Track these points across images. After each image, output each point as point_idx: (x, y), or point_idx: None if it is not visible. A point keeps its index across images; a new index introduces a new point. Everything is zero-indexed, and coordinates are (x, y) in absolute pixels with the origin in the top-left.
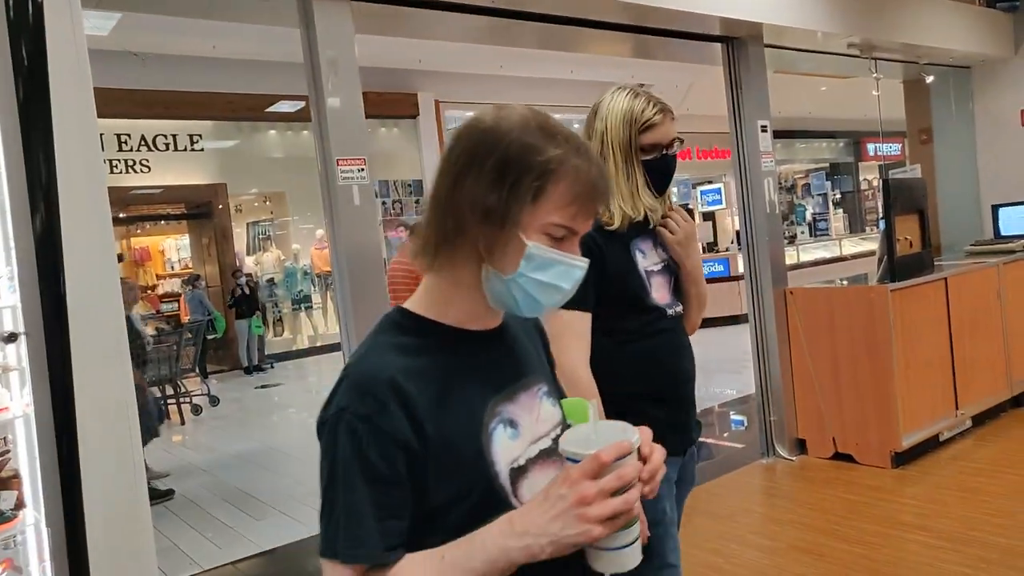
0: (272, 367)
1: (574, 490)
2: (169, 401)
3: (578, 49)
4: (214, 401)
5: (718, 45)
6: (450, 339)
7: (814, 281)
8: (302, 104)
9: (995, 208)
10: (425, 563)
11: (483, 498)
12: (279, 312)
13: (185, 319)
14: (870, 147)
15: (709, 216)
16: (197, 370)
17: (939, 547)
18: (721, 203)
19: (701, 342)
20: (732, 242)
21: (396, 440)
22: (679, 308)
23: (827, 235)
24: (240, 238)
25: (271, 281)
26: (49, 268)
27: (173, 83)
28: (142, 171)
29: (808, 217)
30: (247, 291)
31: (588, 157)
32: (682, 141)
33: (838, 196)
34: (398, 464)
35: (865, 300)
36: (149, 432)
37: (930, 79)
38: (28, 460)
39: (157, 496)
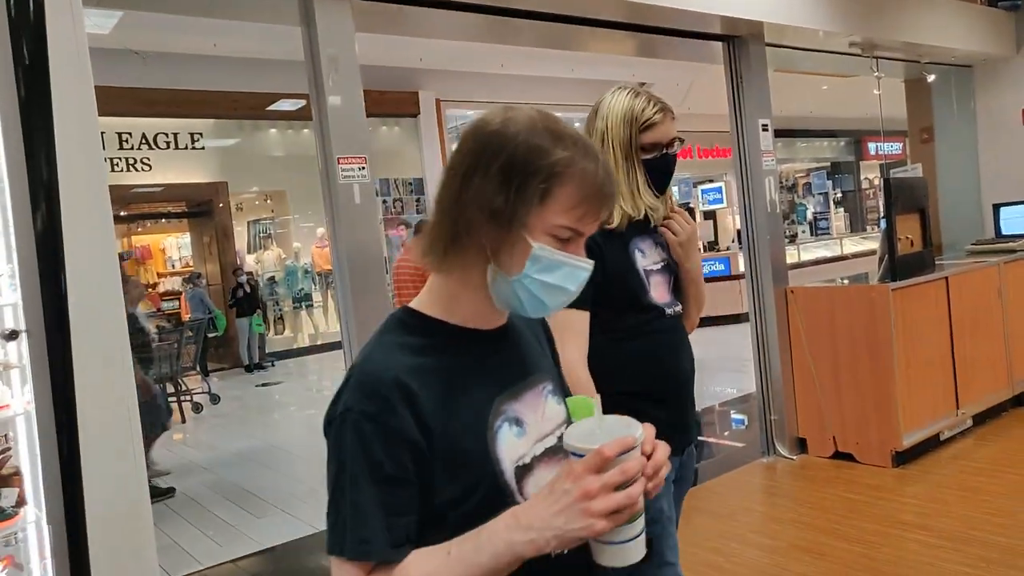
0: (273, 365)
1: (578, 485)
2: (170, 399)
3: (579, 48)
4: (215, 399)
5: (719, 44)
6: (456, 339)
7: (815, 280)
8: (303, 102)
9: (996, 207)
10: (432, 558)
11: (489, 496)
12: (280, 310)
13: (186, 317)
14: (871, 146)
15: (710, 215)
16: (198, 368)
17: (940, 546)
18: (722, 202)
19: (701, 341)
20: (733, 241)
21: (402, 439)
22: (678, 308)
23: (828, 234)
24: (241, 236)
25: (272, 279)
26: (50, 266)
27: (174, 81)
28: (143, 169)
29: (809, 216)
30: (248, 289)
31: (595, 159)
32: (682, 140)
33: (839, 195)
34: (405, 462)
35: (866, 299)
36: (159, 427)
37: (931, 78)
38: (29, 457)
39: (158, 494)
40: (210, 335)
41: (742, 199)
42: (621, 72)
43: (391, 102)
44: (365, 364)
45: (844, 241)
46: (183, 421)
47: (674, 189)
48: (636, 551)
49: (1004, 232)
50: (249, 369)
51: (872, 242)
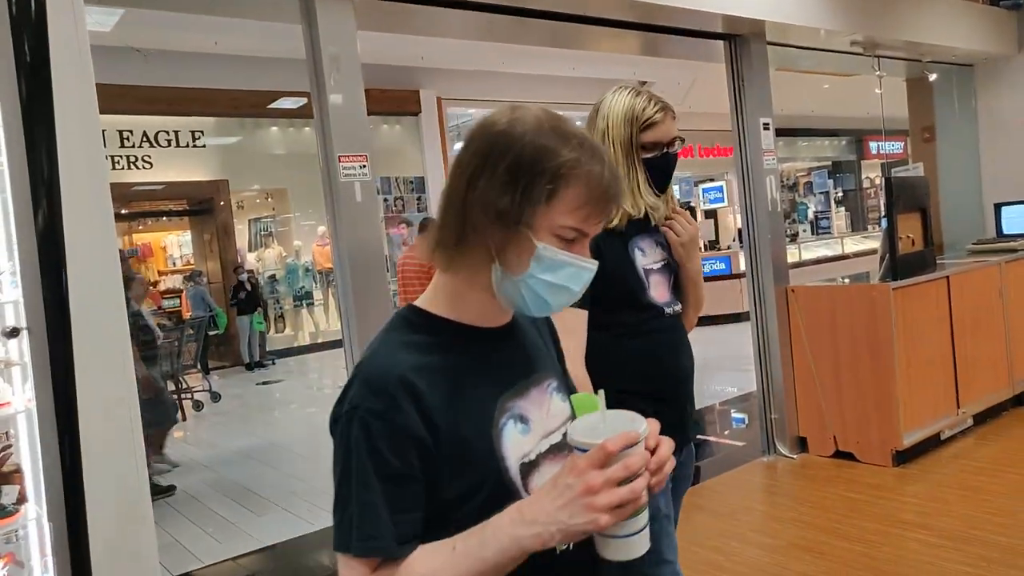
0: (273, 363)
1: (581, 479)
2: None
3: (581, 46)
4: (215, 397)
5: (720, 42)
6: (461, 337)
7: (816, 279)
8: (304, 101)
9: (998, 207)
10: (437, 554)
11: (494, 493)
12: (281, 308)
13: (187, 315)
14: (872, 145)
15: (711, 214)
16: (199, 366)
17: (940, 546)
18: (723, 201)
19: (702, 340)
20: (734, 240)
21: (409, 436)
22: (678, 307)
23: (829, 233)
24: (242, 234)
25: (273, 277)
26: (51, 264)
27: (175, 79)
28: (144, 167)
29: (810, 215)
30: (249, 287)
31: (601, 160)
32: (683, 140)
33: (840, 194)
34: (411, 460)
35: (867, 298)
36: (167, 422)
37: (933, 77)
38: (30, 455)
39: (159, 492)
40: (211, 333)
41: (743, 198)
42: (622, 71)
43: (392, 100)
44: (371, 362)
45: (845, 240)
46: (184, 419)
47: (675, 188)
48: (640, 545)
49: (1005, 231)
50: (250, 367)
51: (873, 241)
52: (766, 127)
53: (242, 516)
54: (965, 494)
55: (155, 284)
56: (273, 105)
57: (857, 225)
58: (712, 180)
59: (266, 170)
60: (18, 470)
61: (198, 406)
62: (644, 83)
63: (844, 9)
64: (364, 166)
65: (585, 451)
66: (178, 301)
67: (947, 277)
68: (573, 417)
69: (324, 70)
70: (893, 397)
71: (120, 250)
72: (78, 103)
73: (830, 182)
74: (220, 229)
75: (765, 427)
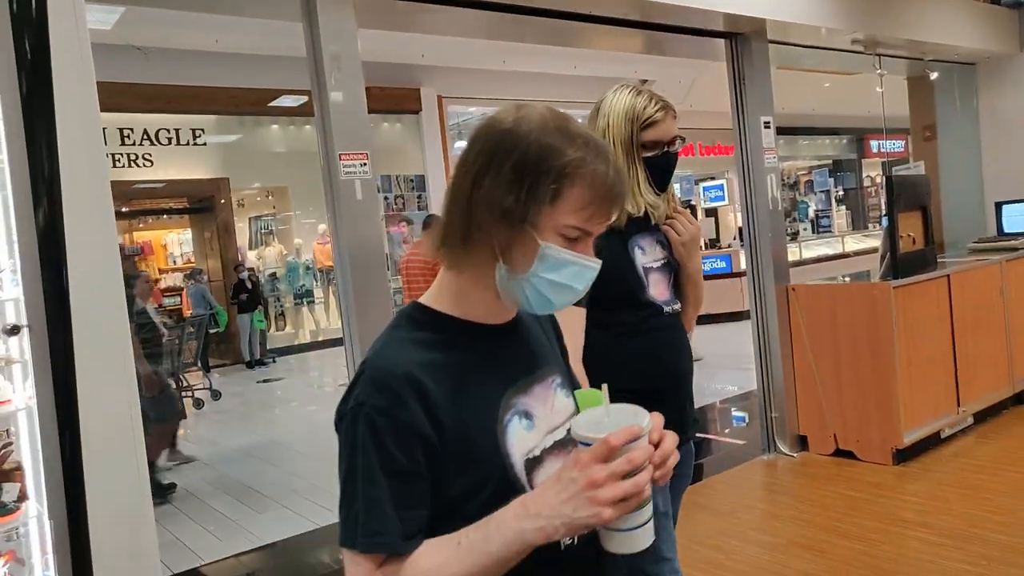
0: (274, 361)
1: (585, 473)
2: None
3: (582, 45)
4: (216, 395)
5: (721, 41)
6: (465, 334)
7: (816, 278)
8: (305, 99)
9: (999, 205)
10: (442, 549)
11: (499, 489)
12: (281, 306)
13: (187, 313)
14: (873, 144)
15: (711, 212)
16: (199, 364)
17: (940, 544)
18: (723, 199)
19: (702, 338)
20: (734, 238)
21: (414, 433)
22: (677, 306)
23: (830, 232)
24: (242, 232)
25: (273, 276)
26: (52, 261)
27: (176, 77)
28: (144, 165)
29: (811, 214)
30: (249, 285)
31: (606, 160)
32: (684, 139)
33: (841, 193)
34: (416, 456)
35: (867, 297)
36: (175, 416)
37: (934, 76)
38: (31, 452)
39: (162, 491)
40: (211, 331)
41: (744, 196)
42: (623, 69)
43: (393, 98)
44: (376, 359)
45: (846, 239)
46: (184, 417)
47: (675, 186)
48: (644, 538)
49: (1006, 230)
50: (250, 365)
51: (874, 240)
52: (767, 125)
53: (243, 514)
54: (965, 492)
55: (156, 282)
56: (274, 103)
57: (858, 224)
58: (713, 178)
59: (267, 168)
60: (19, 468)
61: (199, 404)
62: (645, 81)
63: (845, 7)
64: (365, 164)
65: (589, 445)
66: (179, 299)
67: (948, 276)
68: (577, 412)
69: (325, 68)
70: (893, 395)
71: (124, 247)
72: (79, 101)
73: (831, 180)
74: (221, 227)
75: (765, 425)
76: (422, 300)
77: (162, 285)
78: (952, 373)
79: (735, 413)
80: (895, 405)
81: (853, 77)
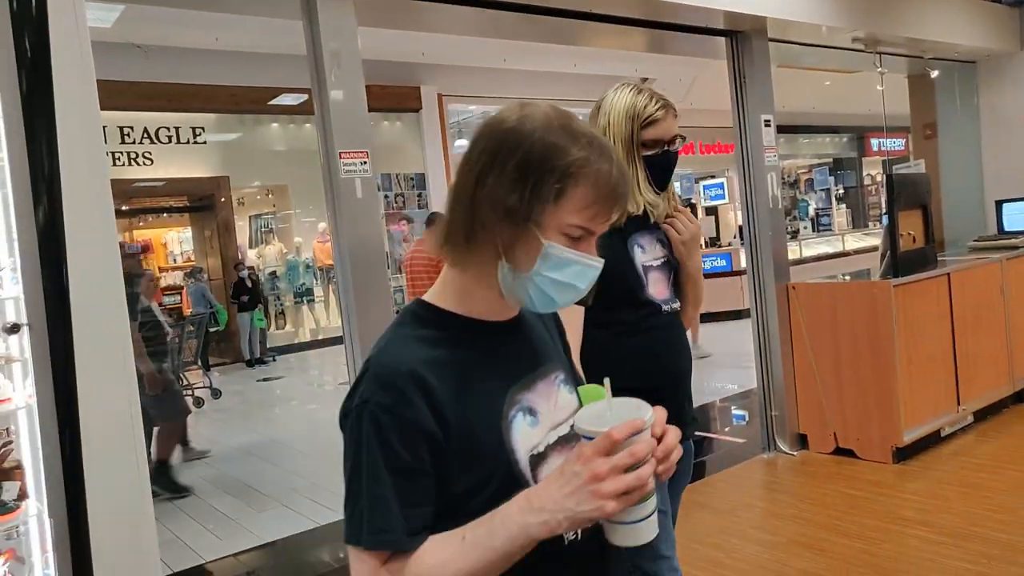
0: (274, 360)
1: (588, 467)
2: None
3: (582, 43)
4: (216, 394)
5: (722, 39)
6: (469, 331)
7: (816, 276)
8: (305, 97)
9: (999, 204)
10: (446, 544)
11: (503, 485)
12: (281, 305)
13: (187, 312)
14: (874, 142)
15: (712, 211)
16: (199, 363)
17: (940, 543)
18: (724, 198)
19: (705, 336)
20: (734, 237)
21: (419, 430)
22: (676, 304)
23: (830, 230)
24: (242, 231)
25: (273, 274)
26: (52, 260)
27: (176, 75)
28: (145, 164)
29: (811, 212)
30: (249, 284)
31: (610, 159)
32: (684, 138)
33: (841, 191)
34: (421, 453)
35: (868, 295)
36: (181, 413)
37: (935, 74)
38: (31, 451)
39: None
40: (211, 330)
41: (744, 195)
42: (624, 67)
43: (393, 97)
44: (381, 357)
45: (846, 237)
46: (189, 413)
47: (676, 185)
48: (648, 531)
49: (1007, 228)
50: (250, 364)
51: (874, 238)
52: (767, 124)
53: (242, 512)
54: (965, 491)
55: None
56: (274, 101)
57: (858, 222)
58: (713, 177)
59: (267, 166)
60: (19, 466)
61: (199, 403)
62: (645, 80)
63: (846, 6)
64: (365, 162)
65: (592, 439)
66: (179, 298)
67: (948, 274)
68: (581, 408)
69: (325, 66)
70: (894, 394)
71: (129, 245)
72: (79, 99)
73: (831, 179)
74: (221, 225)
75: (765, 424)
76: (426, 297)
77: (162, 284)
78: (952, 371)
79: (735, 411)
80: (895, 403)
81: (853, 75)
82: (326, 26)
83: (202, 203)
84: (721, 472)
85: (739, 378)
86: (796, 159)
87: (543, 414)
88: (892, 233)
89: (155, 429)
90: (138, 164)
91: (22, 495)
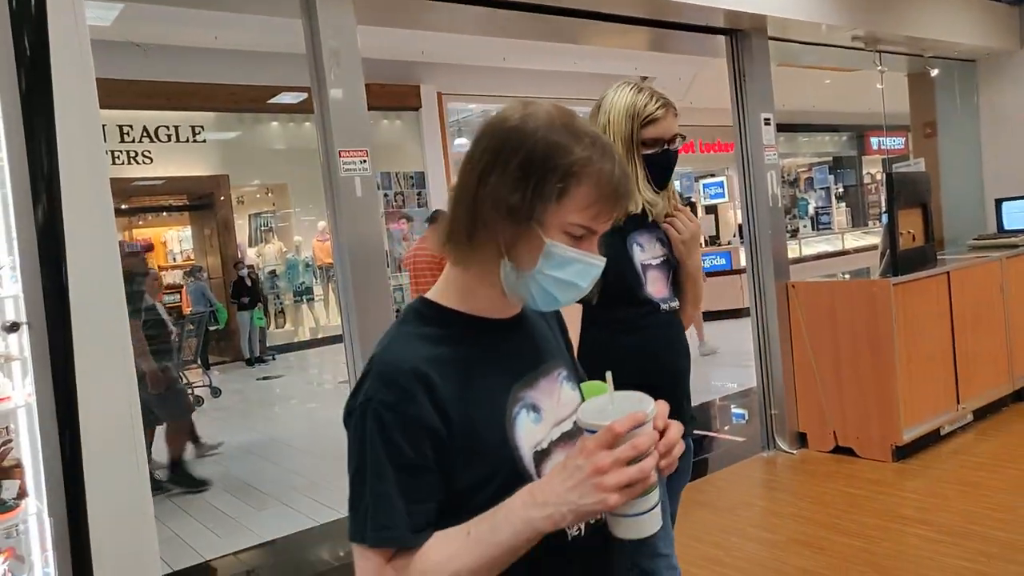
0: (274, 359)
1: (590, 461)
2: None
3: (582, 41)
4: (216, 392)
5: (722, 37)
6: (472, 329)
7: (816, 275)
8: (304, 95)
9: (999, 202)
10: (451, 540)
11: (507, 481)
12: (281, 304)
13: (187, 310)
14: (874, 141)
15: (711, 209)
16: (199, 361)
17: (939, 541)
18: (723, 196)
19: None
20: (734, 235)
21: (423, 427)
22: (675, 303)
23: (830, 229)
24: (242, 230)
25: (273, 273)
26: (51, 259)
27: (175, 74)
28: (144, 162)
29: (811, 211)
30: (249, 283)
31: (612, 158)
32: (684, 137)
33: (841, 190)
34: (425, 450)
35: (867, 294)
36: (187, 410)
37: (935, 72)
38: (30, 450)
39: (157, 488)
40: (211, 328)
41: (744, 193)
42: (623, 66)
43: (393, 95)
44: (384, 355)
45: (846, 236)
46: (194, 410)
47: (675, 183)
48: (651, 524)
49: (1006, 227)
50: (250, 363)
51: (874, 237)
52: (767, 122)
53: (242, 511)
54: (965, 489)
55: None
56: (273, 100)
57: (858, 221)
58: (713, 175)
59: (266, 165)
60: (18, 465)
61: (199, 401)
62: (645, 78)
63: (846, 4)
64: (364, 161)
65: (594, 432)
66: (178, 296)
67: (948, 273)
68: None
69: (324, 65)
70: (893, 393)
71: (133, 244)
72: (78, 98)
73: (831, 178)
74: (220, 224)
75: (765, 422)
76: (428, 295)
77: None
78: (952, 370)
79: (735, 410)
80: (895, 402)
81: (853, 74)
82: (325, 24)
83: (201, 202)
84: (721, 470)
85: (739, 377)
86: (796, 158)
87: (546, 411)
88: (892, 232)
89: (163, 428)
90: (137, 163)
91: (22, 494)
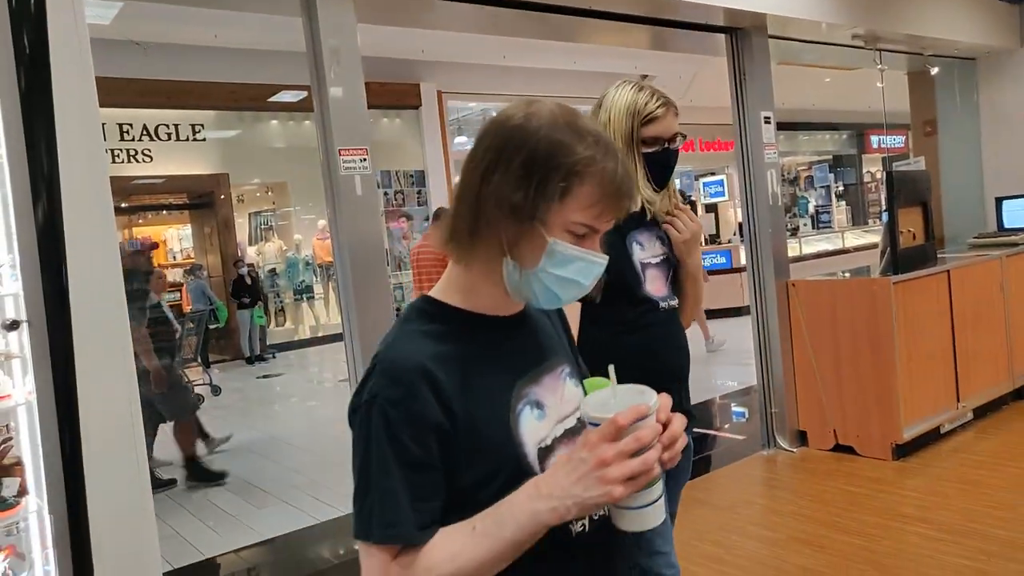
0: (274, 357)
1: (594, 453)
2: None
3: (582, 40)
4: (216, 391)
5: (722, 36)
6: (475, 326)
7: (816, 273)
8: (304, 94)
9: (999, 201)
10: (457, 535)
11: (512, 478)
12: (281, 302)
13: (187, 309)
14: (874, 139)
15: (711, 208)
16: (199, 360)
17: (939, 539)
18: (724, 195)
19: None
20: (734, 234)
21: (428, 424)
22: (674, 302)
23: (830, 227)
24: (242, 228)
25: (273, 271)
26: (51, 257)
27: (175, 72)
28: (144, 161)
29: (811, 209)
30: (249, 281)
31: (615, 157)
32: (685, 136)
33: (841, 188)
34: (430, 447)
35: (867, 292)
36: (191, 407)
37: (935, 71)
38: (31, 447)
39: (159, 485)
40: (211, 327)
41: (744, 192)
42: (623, 64)
43: (393, 94)
44: (388, 352)
45: (846, 234)
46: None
47: (676, 182)
48: (654, 516)
49: (1007, 225)
50: (250, 361)
51: (874, 235)
52: (767, 121)
53: (242, 509)
54: (965, 488)
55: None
56: (273, 98)
57: (858, 219)
58: (713, 174)
59: (266, 164)
60: (19, 463)
61: (199, 399)
62: (645, 77)
63: (846, 2)
64: (364, 159)
65: (597, 425)
66: (178, 295)
67: (948, 271)
68: None
69: (324, 63)
70: (893, 391)
71: (140, 242)
72: (78, 96)
73: (831, 176)
74: (220, 223)
75: (765, 421)
76: (431, 293)
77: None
78: (952, 368)
79: (735, 408)
80: (895, 400)
81: (853, 72)
82: (325, 23)
83: (202, 200)
84: (721, 469)
85: (739, 375)
86: (796, 156)
87: (550, 407)
88: (892, 230)
89: (171, 428)
90: (137, 161)
91: (22, 491)
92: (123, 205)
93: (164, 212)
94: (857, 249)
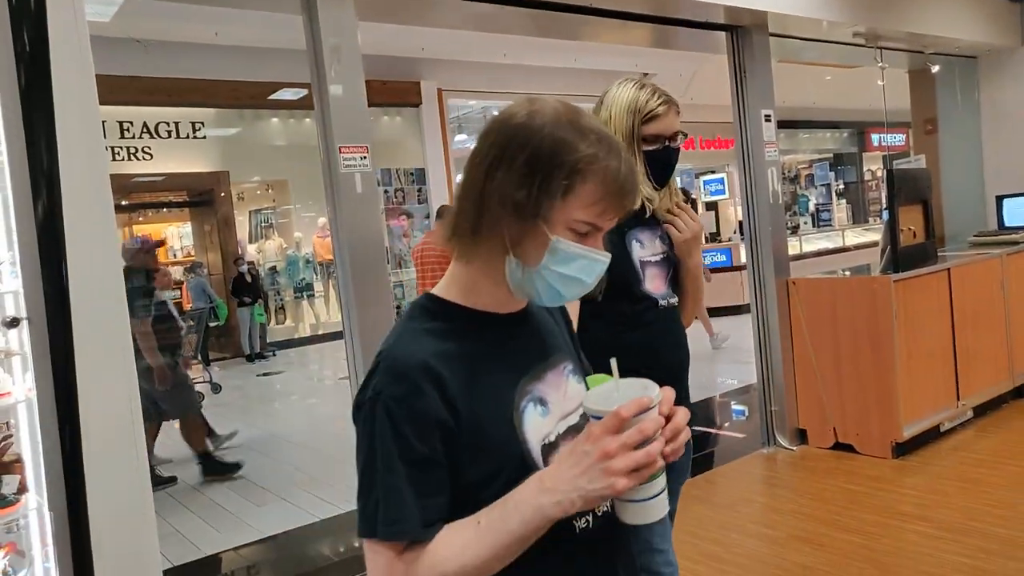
0: (274, 355)
1: (597, 446)
2: None
3: (582, 37)
4: (216, 388)
5: (722, 34)
6: (478, 323)
7: (817, 272)
8: (305, 92)
9: (999, 199)
10: (461, 531)
11: (516, 474)
12: (281, 300)
13: (187, 307)
14: (874, 137)
15: (712, 206)
16: (199, 357)
17: (939, 537)
18: (724, 193)
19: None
20: (735, 232)
21: (431, 420)
22: (674, 300)
23: (830, 226)
24: (242, 226)
25: (273, 269)
26: (51, 254)
27: (175, 70)
28: (144, 158)
29: (811, 207)
30: (249, 279)
31: (619, 155)
32: (685, 134)
33: (841, 186)
34: (434, 444)
35: (868, 291)
36: (194, 405)
37: (936, 69)
38: (31, 445)
39: (160, 482)
40: (211, 324)
41: (744, 190)
42: (624, 62)
43: (393, 92)
44: (392, 350)
45: (846, 232)
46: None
47: (676, 179)
48: (658, 509)
49: (1007, 224)
50: (250, 359)
51: (874, 234)
52: (768, 119)
53: (242, 506)
54: (964, 486)
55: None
56: (273, 96)
57: (858, 217)
58: (713, 172)
59: (266, 161)
60: (19, 460)
61: (199, 397)
62: (646, 74)
63: (847, 1)
64: (365, 157)
65: (600, 418)
66: (179, 292)
67: (948, 269)
68: None
69: (325, 61)
70: (893, 389)
71: (146, 240)
72: (78, 94)
73: (831, 174)
74: (220, 220)
75: (765, 419)
76: (434, 291)
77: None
78: (952, 367)
79: (735, 406)
80: (895, 399)
81: (854, 70)
82: (326, 21)
83: (202, 198)
84: (720, 467)
85: (739, 373)
86: (796, 154)
87: (553, 404)
88: (892, 228)
89: (178, 427)
90: (137, 159)
91: (22, 489)
92: (123, 203)
93: (164, 210)
94: (857, 247)
